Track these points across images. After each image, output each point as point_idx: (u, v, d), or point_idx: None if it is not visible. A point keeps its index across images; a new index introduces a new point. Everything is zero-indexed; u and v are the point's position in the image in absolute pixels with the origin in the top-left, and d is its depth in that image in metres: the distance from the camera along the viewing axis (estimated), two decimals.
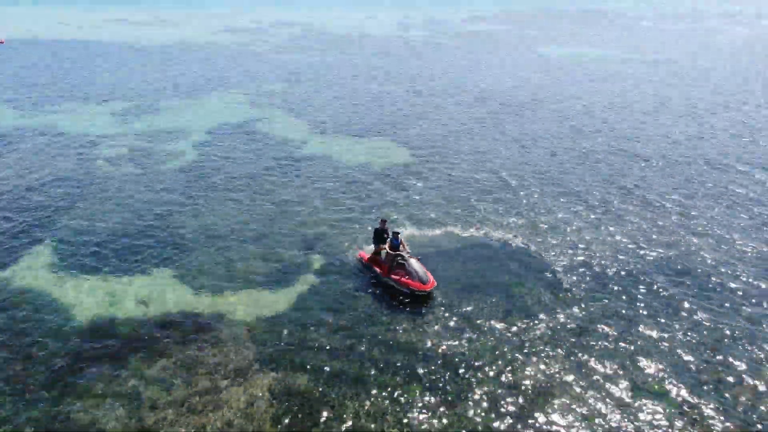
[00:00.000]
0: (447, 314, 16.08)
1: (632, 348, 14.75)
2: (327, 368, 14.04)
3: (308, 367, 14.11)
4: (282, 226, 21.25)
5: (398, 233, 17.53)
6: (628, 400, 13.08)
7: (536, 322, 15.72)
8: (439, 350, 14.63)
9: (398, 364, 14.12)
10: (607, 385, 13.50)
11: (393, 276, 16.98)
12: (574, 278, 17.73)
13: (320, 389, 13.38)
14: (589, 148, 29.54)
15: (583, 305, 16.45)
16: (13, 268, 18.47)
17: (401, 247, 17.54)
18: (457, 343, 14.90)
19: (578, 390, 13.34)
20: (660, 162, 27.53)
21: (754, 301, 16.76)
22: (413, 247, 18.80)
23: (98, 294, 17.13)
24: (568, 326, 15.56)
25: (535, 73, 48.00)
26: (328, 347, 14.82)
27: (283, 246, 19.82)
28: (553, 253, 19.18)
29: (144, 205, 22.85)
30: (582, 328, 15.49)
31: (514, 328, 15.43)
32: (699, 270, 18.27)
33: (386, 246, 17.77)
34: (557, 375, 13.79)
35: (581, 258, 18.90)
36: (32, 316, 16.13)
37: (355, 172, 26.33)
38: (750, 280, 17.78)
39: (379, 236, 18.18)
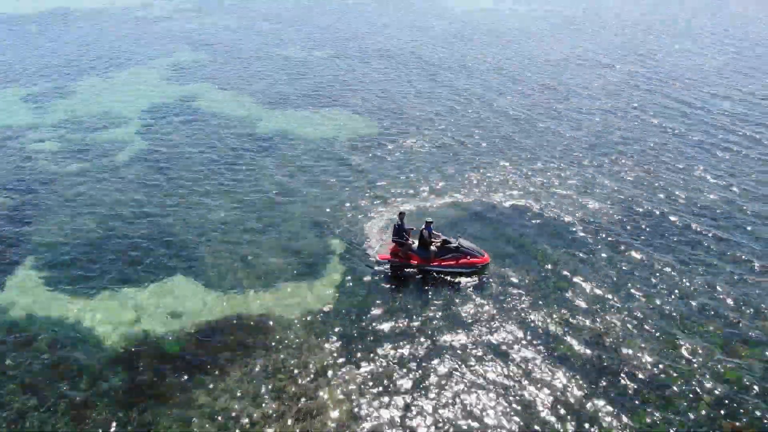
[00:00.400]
0: (495, 286, 16.78)
1: (695, 300, 16.41)
2: (409, 356, 14.26)
3: (390, 358, 14.22)
4: (281, 213, 20.52)
5: (431, 222, 17.57)
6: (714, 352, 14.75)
7: (581, 284, 16.90)
8: (508, 322, 15.36)
9: (472, 342, 14.70)
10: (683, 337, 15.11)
11: (446, 262, 17.18)
12: (590, 238, 19.10)
13: (412, 378, 13.61)
14: (533, 104, 31.17)
15: (613, 261, 17.89)
16: (3, 296, 16.37)
17: (433, 235, 17.64)
18: (522, 313, 15.73)
19: (657, 339, 14.81)
20: (599, 112, 29.84)
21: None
22: (420, 223, 18.95)
23: (119, 313, 15.71)
24: (610, 283, 16.95)
25: (451, 24, 48.76)
26: (397, 333, 14.97)
27: (293, 235, 19.25)
28: (557, 213, 20.45)
29: (115, 207, 20.80)
30: (627, 280, 16.97)
31: (563, 294, 16.46)
32: (701, 208, 20.54)
33: (416, 235, 17.62)
34: (624, 332, 15.17)
35: (583, 215, 20.36)
36: (60, 345, 14.56)
37: (325, 147, 25.73)
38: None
39: (400, 230, 17.63)
